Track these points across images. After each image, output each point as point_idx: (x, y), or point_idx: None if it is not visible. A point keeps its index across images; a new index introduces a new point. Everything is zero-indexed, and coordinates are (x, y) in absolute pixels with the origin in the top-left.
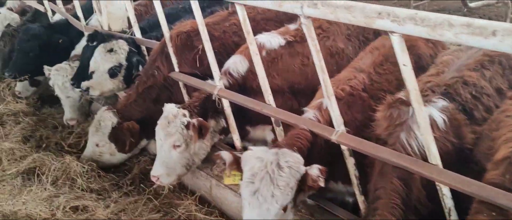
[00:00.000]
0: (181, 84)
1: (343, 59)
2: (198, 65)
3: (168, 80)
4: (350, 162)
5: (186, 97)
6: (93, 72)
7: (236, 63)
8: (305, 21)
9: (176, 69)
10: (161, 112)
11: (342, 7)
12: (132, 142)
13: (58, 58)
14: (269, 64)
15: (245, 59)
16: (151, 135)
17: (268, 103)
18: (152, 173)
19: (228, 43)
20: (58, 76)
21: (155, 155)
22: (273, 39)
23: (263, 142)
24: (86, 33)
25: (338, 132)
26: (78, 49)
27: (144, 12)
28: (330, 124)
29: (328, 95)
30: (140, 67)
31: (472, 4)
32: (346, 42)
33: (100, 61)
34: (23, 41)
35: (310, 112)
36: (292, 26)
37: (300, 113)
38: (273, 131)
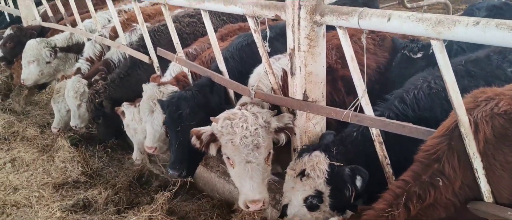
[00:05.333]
0: None
1: None
2: None
3: (460, 196)
4: None
5: None
6: (286, 205)
7: None
8: None
9: (482, 180)
10: None
11: None
12: None
13: None
14: None
15: None
16: None
17: None
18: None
19: None
20: None
21: None
22: None
23: None
24: (250, 101)
25: None
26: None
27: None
28: None
29: None
30: (359, 182)
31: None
32: None
33: (291, 191)
34: (188, 117)
35: None
36: None
37: None
38: None
